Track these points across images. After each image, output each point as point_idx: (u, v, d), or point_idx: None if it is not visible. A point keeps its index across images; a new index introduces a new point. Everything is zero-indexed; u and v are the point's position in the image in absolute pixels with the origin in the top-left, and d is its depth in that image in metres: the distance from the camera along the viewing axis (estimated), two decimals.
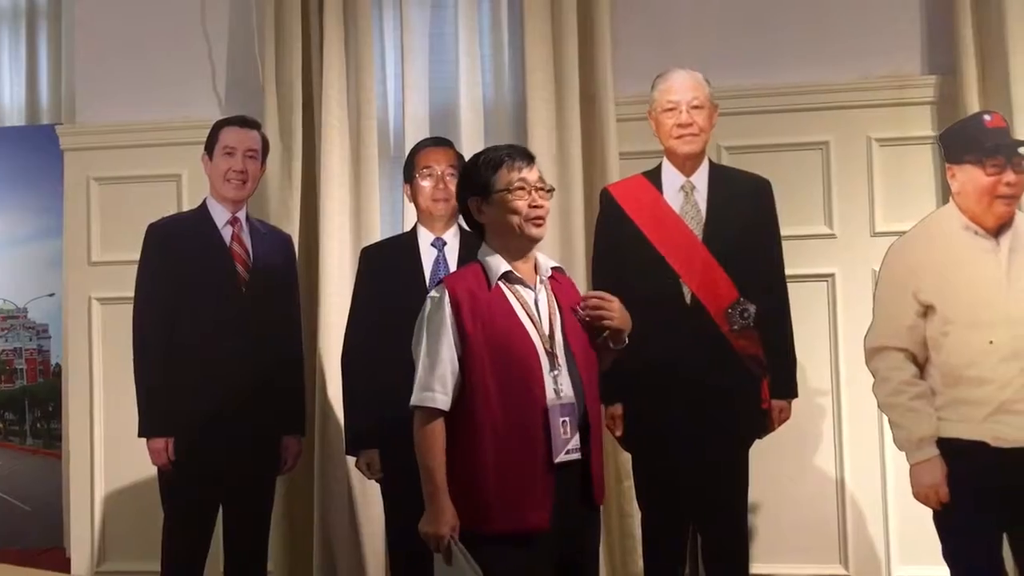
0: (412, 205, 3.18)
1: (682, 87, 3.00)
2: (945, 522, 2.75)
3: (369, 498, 3.53)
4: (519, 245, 2.37)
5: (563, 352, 2.33)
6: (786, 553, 3.58)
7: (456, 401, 2.27)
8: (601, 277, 3.11)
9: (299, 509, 3.69)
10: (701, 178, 3.03)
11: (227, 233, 3.18)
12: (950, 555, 2.76)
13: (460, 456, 2.26)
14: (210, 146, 3.21)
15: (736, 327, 2.91)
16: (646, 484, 3.04)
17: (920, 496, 2.76)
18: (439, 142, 3.19)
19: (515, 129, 3.73)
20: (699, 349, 2.91)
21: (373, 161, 3.74)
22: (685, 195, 3.02)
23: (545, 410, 2.26)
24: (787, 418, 3.03)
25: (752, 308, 2.91)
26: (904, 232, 2.92)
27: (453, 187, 3.08)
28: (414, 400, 2.28)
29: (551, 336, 2.32)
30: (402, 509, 3.03)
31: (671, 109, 3.00)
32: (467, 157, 3.23)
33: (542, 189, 2.37)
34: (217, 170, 3.19)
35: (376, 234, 3.67)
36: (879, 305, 2.87)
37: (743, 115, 3.63)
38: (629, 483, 3.31)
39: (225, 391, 3.05)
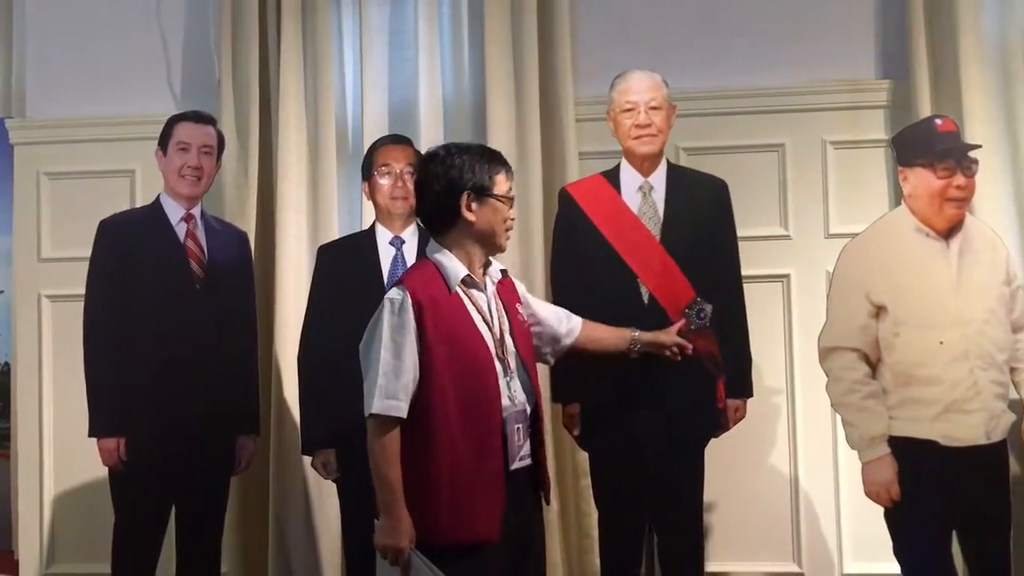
0: (370, 203, 3.16)
1: (640, 88, 3.02)
2: (896, 520, 2.80)
3: (325, 498, 3.50)
4: (486, 252, 2.33)
5: (514, 356, 2.30)
6: (741, 551, 3.61)
7: (409, 409, 2.21)
8: (559, 276, 3.12)
9: (254, 509, 3.65)
10: (659, 179, 3.05)
11: (181, 230, 3.14)
12: (900, 552, 2.81)
13: (411, 465, 2.19)
14: (164, 141, 3.17)
15: (693, 327, 2.92)
16: (603, 483, 3.05)
17: (871, 494, 2.80)
18: (398, 140, 3.17)
19: (474, 128, 3.72)
20: None
21: (331, 159, 3.71)
22: (643, 195, 3.03)
23: (502, 419, 2.23)
24: (742, 417, 3.06)
25: (709, 308, 2.92)
26: (857, 234, 2.96)
27: (412, 185, 3.07)
28: (376, 408, 2.18)
29: (502, 340, 2.29)
30: (359, 509, 3.01)
31: (629, 110, 3.01)
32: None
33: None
34: (171, 166, 3.14)
35: (333, 232, 3.64)
36: (832, 306, 2.91)
37: (701, 117, 3.66)
38: (587, 482, 3.31)
39: (178, 390, 3.01)
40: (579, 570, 3.58)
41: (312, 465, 3.11)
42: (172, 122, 3.18)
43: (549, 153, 3.66)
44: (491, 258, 2.38)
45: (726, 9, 3.76)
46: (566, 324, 2.55)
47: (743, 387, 3.04)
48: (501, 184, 2.30)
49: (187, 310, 3.05)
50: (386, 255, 3.06)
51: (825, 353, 2.89)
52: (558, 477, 3.48)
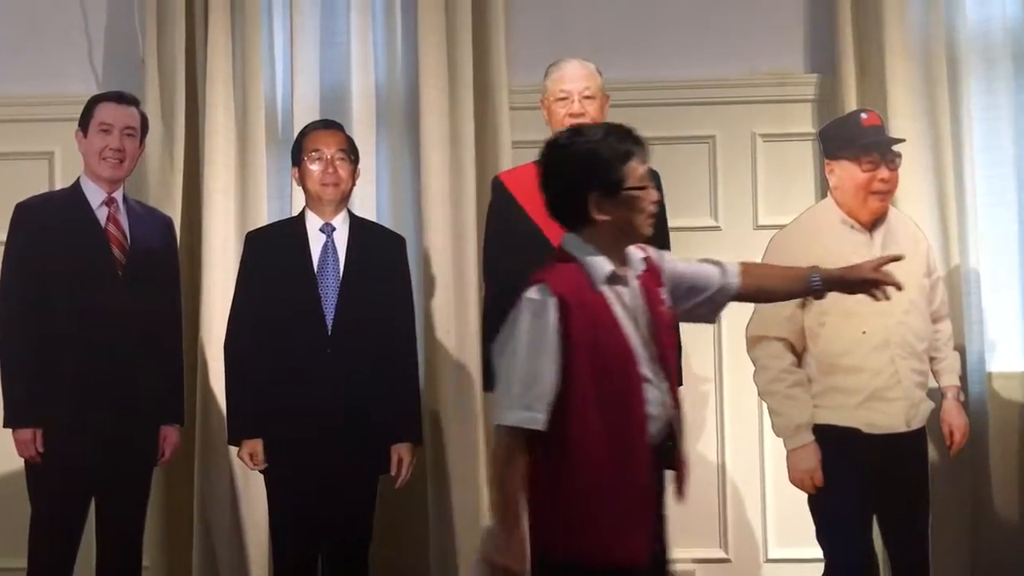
0: (300, 189, 3.11)
1: (575, 77, 3.02)
2: (819, 506, 2.86)
3: (252, 490, 3.44)
4: (629, 242, 2.09)
5: (657, 361, 2.08)
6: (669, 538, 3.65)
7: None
8: (492, 264, 3.11)
9: (178, 501, 3.57)
10: None
11: (102, 214, 3.04)
12: (823, 537, 2.87)
13: (547, 480, 1.99)
14: (84, 122, 3.06)
15: None
16: None
17: (796, 481, 2.85)
18: (329, 125, 3.12)
19: (407, 115, 3.68)
20: None
21: (260, 143, 3.63)
22: None
23: (647, 431, 2.04)
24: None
25: None
26: (785, 225, 3.01)
27: (343, 171, 3.02)
28: (512, 420, 1.96)
29: (648, 343, 2.06)
30: (287, 501, 2.98)
31: (563, 98, 3.01)
32: (358, 143, 3.21)
33: None
34: (92, 148, 3.04)
35: (263, 219, 3.57)
36: None
37: (634, 107, 3.63)
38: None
39: (99, 379, 2.92)
40: None
41: (239, 455, 3.06)
42: (93, 102, 3.08)
43: (482, 142, 3.64)
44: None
45: (659, 1, 3.78)
46: (719, 279, 2.23)
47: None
48: (635, 172, 2.04)
49: (108, 297, 2.96)
50: (316, 242, 3.02)
51: (752, 342, 2.93)
52: None
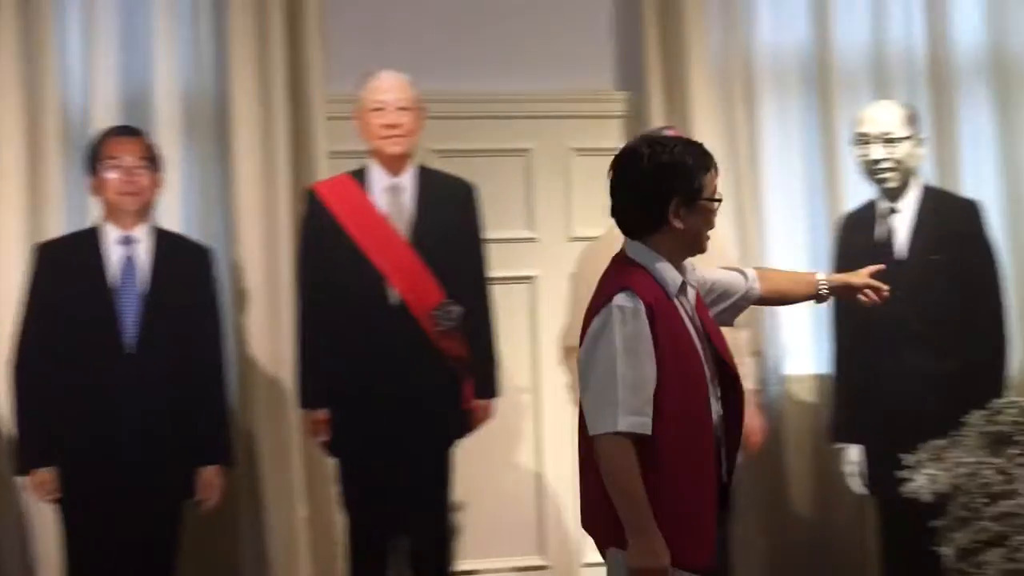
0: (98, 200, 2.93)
1: (389, 88, 3.00)
2: None
3: (45, 522, 3.19)
4: (690, 254, 2.13)
5: (713, 367, 2.11)
6: (490, 548, 3.67)
7: None
8: (306, 277, 3.04)
9: None
10: (408, 179, 3.04)
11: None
12: None
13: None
14: None
15: (442, 328, 2.94)
16: (351, 489, 2.99)
17: None
18: (127, 131, 2.97)
19: (216, 123, 3.52)
20: (404, 350, 2.91)
21: (53, 151, 3.39)
22: (392, 196, 3.01)
23: (715, 436, 2.07)
24: (489, 417, 3.10)
25: (457, 309, 2.95)
26: (598, 237, 3.09)
27: (144, 180, 2.87)
28: (626, 426, 1.94)
29: (704, 349, 2.10)
30: (86, 532, 2.79)
31: (378, 109, 2.99)
32: (162, 151, 3.05)
33: None
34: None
35: (57, 231, 3.33)
36: (573, 307, 3.02)
37: (452, 119, 3.68)
38: (335, 489, 3.24)
39: None
40: None
41: (28, 486, 2.84)
42: None
43: (297, 151, 3.54)
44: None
45: (479, 14, 3.80)
46: (743, 284, 2.29)
47: (490, 388, 3.10)
48: (710, 184, 2.08)
49: None
50: (114, 255, 2.85)
51: (568, 352, 3.00)
52: (308, 485, 3.39)
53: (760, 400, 3.17)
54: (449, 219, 3.02)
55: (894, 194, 3.09)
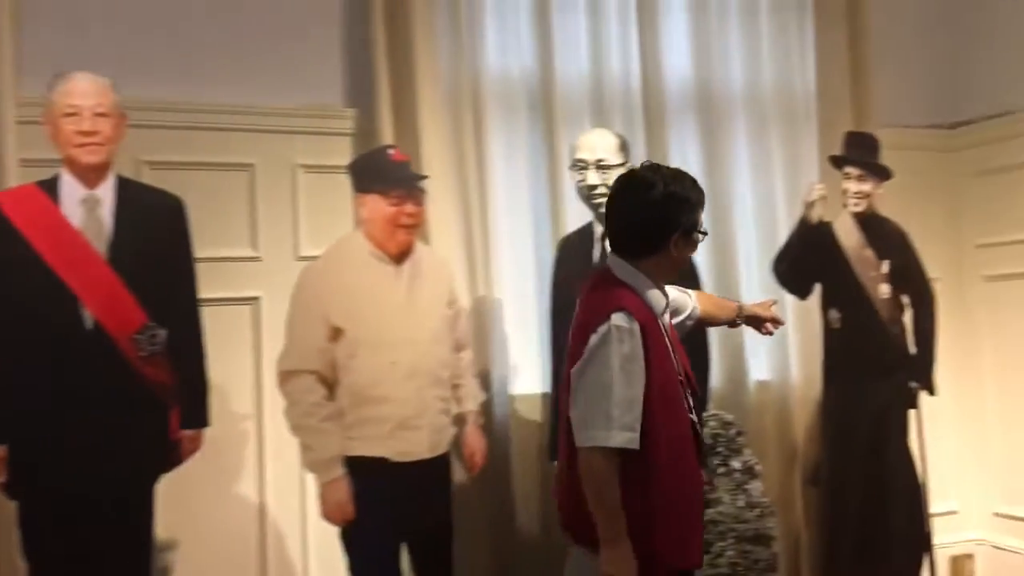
0: None
1: (85, 91, 2.74)
2: (350, 538, 2.86)
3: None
4: (670, 280, 2.34)
5: (684, 381, 2.30)
6: None
7: None
8: None
9: None
10: (107, 192, 2.79)
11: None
12: (353, 568, 2.86)
13: (630, 494, 2.15)
14: None
15: (145, 353, 2.72)
16: (33, 537, 2.68)
17: (327, 515, 2.83)
18: None
19: None
20: (101, 378, 2.67)
21: None
22: (87, 209, 2.75)
23: (696, 446, 2.27)
24: (197, 448, 2.90)
25: (162, 333, 2.75)
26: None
27: None
28: (617, 442, 2.12)
29: (677, 366, 2.29)
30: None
31: (72, 114, 2.72)
32: None
33: None
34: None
35: None
36: (291, 329, 2.90)
37: (167, 129, 3.47)
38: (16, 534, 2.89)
39: None
40: None
41: None
42: None
43: None
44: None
45: (201, 18, 3.61)
46: (689, 304, 2.50)
47: (199, 417, 2.90)
48: (699, 219, 2.27)
49: None
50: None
51: (284, 377, 2.87)
52: None
53: (481, 420, 3.18)
54: (153, 235, 2.79)
55: None
